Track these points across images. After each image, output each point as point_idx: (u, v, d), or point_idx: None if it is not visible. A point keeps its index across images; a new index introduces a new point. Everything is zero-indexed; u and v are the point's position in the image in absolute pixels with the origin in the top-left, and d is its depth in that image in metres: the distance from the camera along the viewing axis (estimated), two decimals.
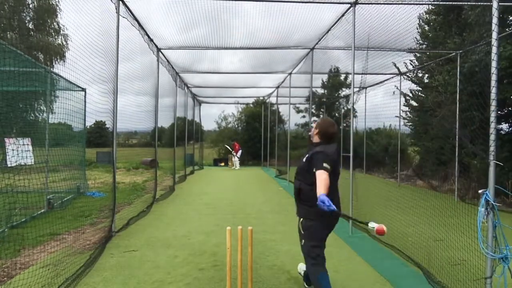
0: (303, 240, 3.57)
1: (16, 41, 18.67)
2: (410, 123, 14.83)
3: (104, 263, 4.61)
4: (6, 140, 6.03)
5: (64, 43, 21.41)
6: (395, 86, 13.76)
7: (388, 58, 10.98)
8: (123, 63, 6.93)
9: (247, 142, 24.30)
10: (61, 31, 21.42)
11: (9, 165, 5.62)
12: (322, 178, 3.16)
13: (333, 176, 3.39)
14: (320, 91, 22.74)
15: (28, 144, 6.45)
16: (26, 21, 20.73)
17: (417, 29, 12.51)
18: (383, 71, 12.86)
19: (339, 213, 3.35)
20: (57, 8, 21.03)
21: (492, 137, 3.20)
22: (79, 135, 9.11)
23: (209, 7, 7.15)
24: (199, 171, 19.20)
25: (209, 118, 52.01)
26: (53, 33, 21.30)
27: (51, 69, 13.26)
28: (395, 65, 12.61)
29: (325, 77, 21.00)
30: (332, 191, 3.33)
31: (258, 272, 4.33)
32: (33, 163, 6.21)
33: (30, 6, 20.80)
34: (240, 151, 21.22)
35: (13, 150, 5.78)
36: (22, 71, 5.65)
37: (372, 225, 3.55)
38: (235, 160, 21.00)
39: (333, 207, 2.95)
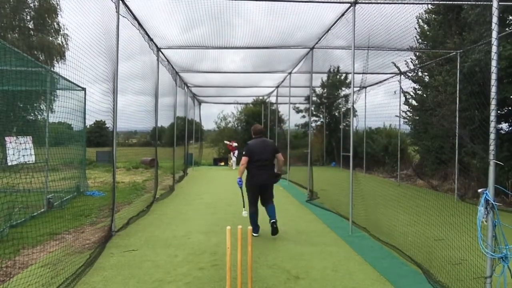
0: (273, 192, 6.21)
1: (17, 41, 18.66)
2: (410, 122, 14.83)
3: (104, 262, 4.61)
4: (7, 138, 6.02)
5: (64, 42, 21.43)
6: (397, 83, 13.76)
7: (388, 57, 10.97)
8: (123, 62, 6.94)
9: (247, 142, 24.20)
10: (61, 30, 21.45)
11: (9, 164, 5.62)
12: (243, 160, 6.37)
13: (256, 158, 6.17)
14: (320, 90, 22.71)
15: (28, 143, 6.44)
16: (27, 21, 20.72)
17: (416, 29, 12.50)
18: (383, 70, 12.86)
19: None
20: (58, 7, 21.04)
21: (492, 136, 3.20)
22: (79, 134, 9.10)
23: (211, 7, 7.13)
24: (199, 170, 19.20)
25: (209, 118, 52.02)
26: (53, 33, 21.28)
27: (52, 68, 13.25)
28: (395, 65, 12.60)
29: (324, 77, 20.93)
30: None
31: (258, 271, 4.33)
32: (33, 161, 6.19)
33: (31, 5, 20.78)
34: (236, 151, 21.08)
35: (13, 148, 5.77)
36: (22, 70, 5.64)
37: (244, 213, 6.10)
38: (233, 160, 20.92)
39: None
